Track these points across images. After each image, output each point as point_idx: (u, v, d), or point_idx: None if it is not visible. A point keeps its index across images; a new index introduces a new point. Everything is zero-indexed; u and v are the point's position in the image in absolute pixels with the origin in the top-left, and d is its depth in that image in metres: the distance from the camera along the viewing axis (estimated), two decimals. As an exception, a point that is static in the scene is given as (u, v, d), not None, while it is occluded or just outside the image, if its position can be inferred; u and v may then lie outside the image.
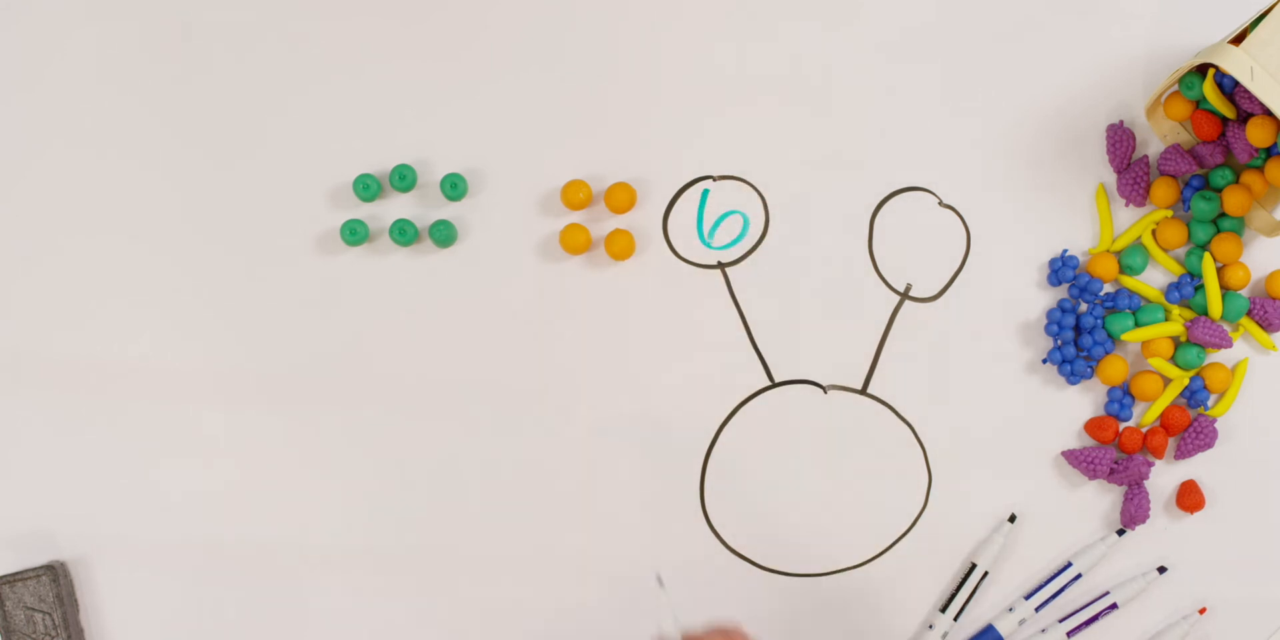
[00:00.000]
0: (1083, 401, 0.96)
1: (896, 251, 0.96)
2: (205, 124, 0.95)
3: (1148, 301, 0.95)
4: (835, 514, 0.95)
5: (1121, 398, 0.95)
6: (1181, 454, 0.95)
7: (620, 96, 0.96)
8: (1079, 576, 0.94)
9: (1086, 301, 0.95)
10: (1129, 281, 0.96)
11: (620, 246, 0.94)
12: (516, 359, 0.94)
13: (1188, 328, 0.94)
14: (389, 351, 0.94)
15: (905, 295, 0.96)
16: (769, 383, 0.95)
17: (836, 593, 0.95)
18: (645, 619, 0.94)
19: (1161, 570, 0.94)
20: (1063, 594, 0.94)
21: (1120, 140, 0.95)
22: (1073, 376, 0.94)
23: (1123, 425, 0.95)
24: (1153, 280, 0.96)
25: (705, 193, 0.96)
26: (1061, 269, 0.95)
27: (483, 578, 0.94)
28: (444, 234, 0.93)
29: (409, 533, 0.94)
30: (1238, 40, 0.87)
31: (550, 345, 0.94)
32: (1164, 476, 0.96)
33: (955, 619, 0.94)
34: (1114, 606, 0.93)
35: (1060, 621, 0.94)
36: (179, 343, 0.94)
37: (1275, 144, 0.90)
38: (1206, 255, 0.94)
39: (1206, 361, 0.95)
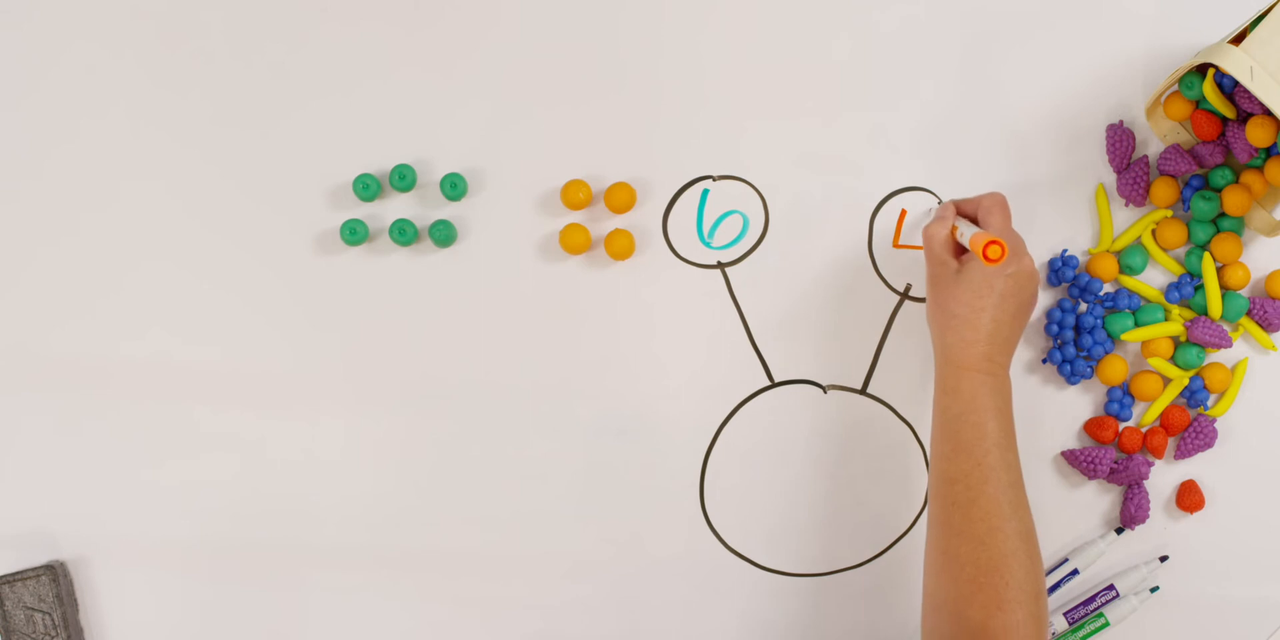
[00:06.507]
0: (1083, 401, 0.96)
1: (896, 251, 0.96)
2: (206, 124, 0.95)
3: (1148, 301, 0.95)
4: (835, 514, 0.95)
5: (1121, 398, 0.95)
6: (1181, 454, 0.95)
7: (620, 97, 0.96)
8: (1075, 572, 0.94)
9: (1086, 301, 0.95)
10: (1129, 281, 0.96)
11: (620, 246, 0.94)
12: (516, 359, 0.94)
13: (1188, 328, 0.94)
14: (389, 351, 0.94)
15: (905, 295, 0.96)
16: (769, 383, 0.95)
17: (836, 593, 0.95)
18: (645, 618, 0.94)
19: (1163, 559, 0.95)
20: (1060, 590, 0.94)
21: (1120, 140, 0.95)
22: (1073, 376, 0.94)
23: (1123, 425, 0.95)
24: (1153, 280, 0.96)
25: (705, 193, 0.96)
26: (1061, 269, 0.95)
27: (482, 576, 0.94)
28: (444, 234, 0.93)
29: (408, 532, 0.94)
30: (1238, 40, 0.87)
31: (550, 345, 0.94)
32: (1164, 476, 0.96)
33: (955, 619, 0.94)
34: (1116, 595, 0.94)
35: (1064, 614, 0.94)
36: (178, 342, 0.94)
37: (1275, 144, 0.90)
38: (1206, 255, 0.94)
39: (1206, 361, 0.95)
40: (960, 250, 0.87)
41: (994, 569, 0.79)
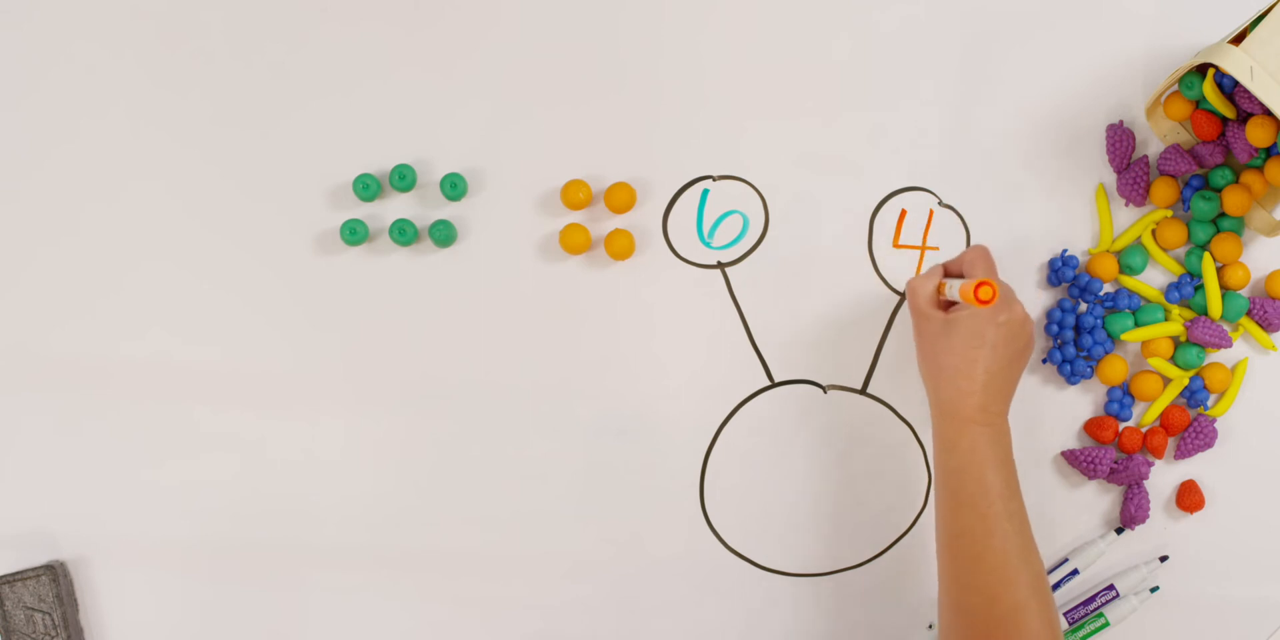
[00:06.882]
0: (1083, 401, 0.96)
1: (896, 251, 0.96)
2: (206, 124, 0.95)
3: (1148, 301, 0.95)
4: (835, 514, 0.95)
5: (1121, 398, 0.95)
6: (1181, 454, 0.95)
7: (620, 97, 0.96)
8: (1075, 572, 0.94)
9: (1086, 301, 0.95)
10: (1129, 281, 0.96)
11: (620, 246, 0.94)
12: (516, 359, 0.94)
13: (1188, 328, 0.94)
14: (389, 351, 0.94)
15: (905, 295, 0.95)
16: (769, 383, 0.95)
17: (837, 593, 0.95)
18: (645, 618, 0.94)
19: (1163, 559, 0.95)
20: (1060, 590, 0.94)
21: (1120, 140, 0.95)
22: (1073, 376, 0.94)
23: (1123, 425, 0.95)
24: (1153, 280, 0.96)
25: (705, 193, 0.96)
26: (1061, 269, 0.95)
27: (482, 576, 0.94)
28: (444, 234, 0.93)
29: (408, 532, 0.94)
30: (1238, 40, 0.87)
31: (550, 345, 0.94)
32: (1164, 476, 0.96)
33: (955, 619, 0.94)
34: (1116, 595, 0.94)
35: (1064, 614, 0.94)
36: (178, 343, 0.94)
37: (1275, 144, 0.90)
38: (1206, 255, 0.94)
39: (1206, 361, 0.95)
40: (946, 305, 0.87)
41: (1009, 622, 0.79)
